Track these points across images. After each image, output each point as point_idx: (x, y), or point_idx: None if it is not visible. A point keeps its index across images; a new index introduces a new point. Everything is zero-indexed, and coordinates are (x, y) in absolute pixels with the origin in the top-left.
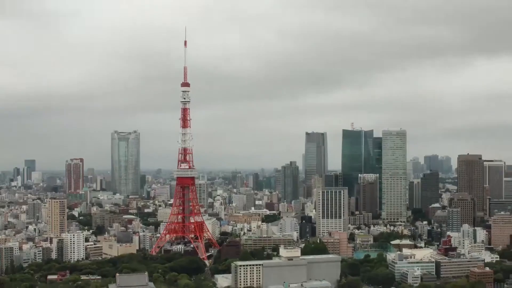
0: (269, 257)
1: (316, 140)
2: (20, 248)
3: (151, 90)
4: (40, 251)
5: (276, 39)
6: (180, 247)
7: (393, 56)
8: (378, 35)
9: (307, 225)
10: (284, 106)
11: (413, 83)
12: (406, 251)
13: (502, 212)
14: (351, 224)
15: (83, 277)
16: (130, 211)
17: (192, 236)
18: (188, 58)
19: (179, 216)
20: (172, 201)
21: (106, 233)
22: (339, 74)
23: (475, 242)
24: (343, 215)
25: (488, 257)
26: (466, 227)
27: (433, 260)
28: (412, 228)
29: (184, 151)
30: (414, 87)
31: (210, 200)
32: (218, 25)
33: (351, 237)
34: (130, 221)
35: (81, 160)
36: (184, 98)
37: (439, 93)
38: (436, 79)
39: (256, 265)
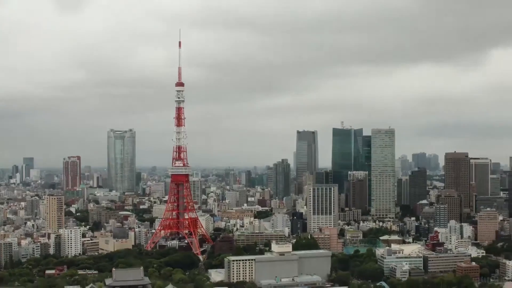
0: (261, 252)
1: (307, 139)
2: (19, 244)
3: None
4: (38, 246)
5: (208, 49)
6: (174, 243)
7: (325, 63)
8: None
9: (298, 221)
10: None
11: (352, 88)
12: (394, 247)
13: (488, 209)
14: (341, 220)
15: (80, 272)
16: (126, 207)
17: (186, 232)
18: (138, 68)
19: (174, 212)
20: (167, 197)
21: (102, 229)
22: (284, 79)
23: (461, 237)
24: (333, 211)
25: (475, 252)
26: (453, 223)
27: (421, 255)
28: (400, 224)
29: (179, 149)
30: (353, 91)
31: (203, 196)
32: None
33: (341, 233)
34: (126, 217)
35: (78, 158)
36: (179, 98)
37: (380, 96)
38: (371, 83)
39: (249, 260)
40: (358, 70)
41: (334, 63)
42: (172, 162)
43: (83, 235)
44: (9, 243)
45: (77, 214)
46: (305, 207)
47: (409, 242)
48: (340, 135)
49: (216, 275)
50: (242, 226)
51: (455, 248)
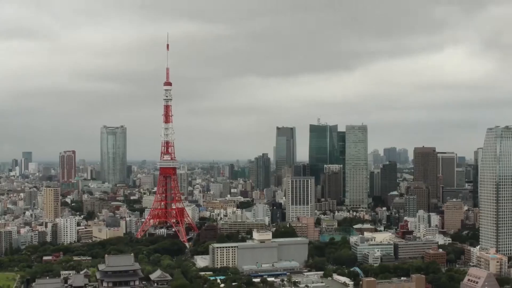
0: (243, 240)
1: (286, 134)
2: (18, 232)
3: None
4: (36, 234)
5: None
6: (163, 231)
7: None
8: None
9: (277, 211)
10: None
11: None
12: (367, 235)
13: (454, 199)
14: (318, 210)
15: (75, 258)
16: (118, 198)
17: (174, 221)
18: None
19: (162, 203)
20: (155, 189)
21: (96, 218)
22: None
23: (429, 226)
24: (310, 201)
25: (441, 240)
26: (421, 212)
27: (392, 242)
28: (372, 213)
29: (167, 144)
30: (263, 96)
31: (190, 188)
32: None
33: (318, 222)
34: (117, 207)
35: (73, 152)
36: (167, 96)
37: (282, 100)
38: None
39: (232, 247)
40: (255, 81)
41: (231, 76)
42: (161, 156)
43: (78, 224)
44: (9, 231)
45: (72, 204)
46: (284, 198)
47: (380, 231)
48: (317, 131)
49: (201, 261)
50: (226, 216)
51: (423, 236)
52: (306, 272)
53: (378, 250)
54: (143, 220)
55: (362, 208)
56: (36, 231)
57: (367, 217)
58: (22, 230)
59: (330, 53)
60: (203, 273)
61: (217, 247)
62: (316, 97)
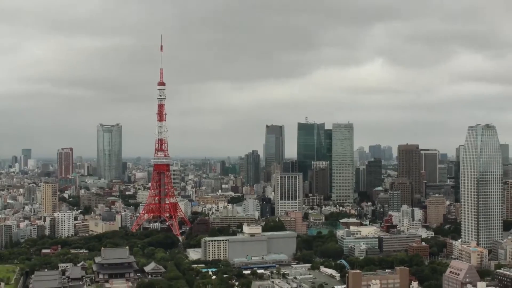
0: (234, 233)
1: (275, 132)
2: (18, 226)
3: None
4: (35, 228)
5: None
6: (157, 225)
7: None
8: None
9: (267, 206)
10: None
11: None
12: (353, 228)
13: (436, 195)
14: (305, 205)
15: (73, 251)
16: (113, 193)
17: (167, 215)
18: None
19: (156, 198)
20: (150, 184)
21: (92, 212)
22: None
23: (413, 220)
24: (299, 197)
25: (424, 233)
26: (405, 207)
27: (377, 236)
28: (358, 208)
29: (160, 141)
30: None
31: (182, 184)
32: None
33: (305, 216)
34: (113, 202)
35: (71, 149)
36: (160, 96)
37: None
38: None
39: (223, 240)
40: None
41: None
42: (155, 153)
43: (75, 218)
44: (9, 225)
45: (70, 199)
46: (273, 193)
47: (366, 225)
48: (305, 129)
49: (193, 254)
50: (217, 210)
51: (407, 230)
52: (294, 264)
53: (363, 244)
54: (137, 214)
55: (348, 203)
56: (35, 225)
57: (353, 211)
58: (22, 224)
59: (273, 63)
60: (196, 265)
61: (209, 241)
62: (271, 99)
